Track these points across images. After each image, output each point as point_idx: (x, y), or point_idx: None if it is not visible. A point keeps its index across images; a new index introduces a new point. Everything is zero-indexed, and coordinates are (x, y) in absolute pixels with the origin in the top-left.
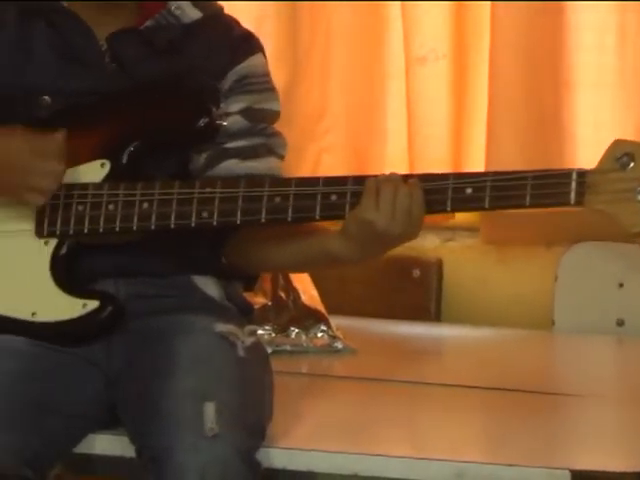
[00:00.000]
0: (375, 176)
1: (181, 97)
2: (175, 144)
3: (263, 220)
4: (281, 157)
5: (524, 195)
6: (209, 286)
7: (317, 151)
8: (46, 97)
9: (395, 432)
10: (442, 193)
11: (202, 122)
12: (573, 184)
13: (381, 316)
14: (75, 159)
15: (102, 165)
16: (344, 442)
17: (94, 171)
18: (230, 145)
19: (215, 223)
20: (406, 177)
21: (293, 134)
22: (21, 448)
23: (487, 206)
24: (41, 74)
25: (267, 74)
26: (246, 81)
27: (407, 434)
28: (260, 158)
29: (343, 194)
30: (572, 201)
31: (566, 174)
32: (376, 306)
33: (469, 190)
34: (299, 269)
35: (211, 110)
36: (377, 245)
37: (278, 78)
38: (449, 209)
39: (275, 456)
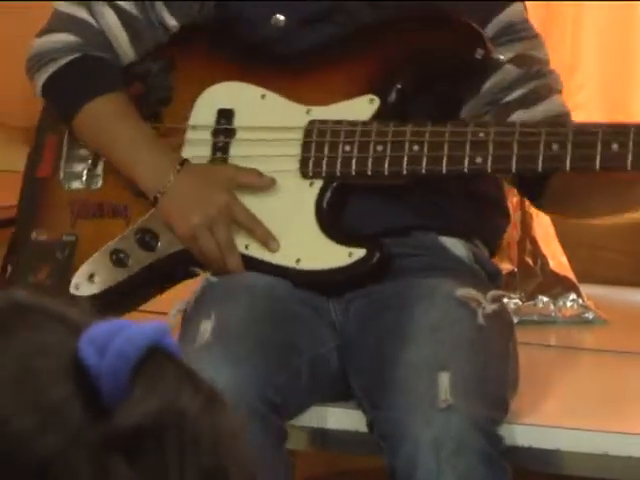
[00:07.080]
0: None
1: (454, 28)
2: (447, 78)
3: (539, 169)
4: (561, 92)
5: None
6: (457, 247)
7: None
8: (279, 15)
9: None
10: None
11: (479, 53)
12: None
13: (635, 285)
14: (339, 93)
15: (371, 101)
16: (594, 419)
17: (362, 107)
18: (510, 98)
19: (489, 170)
20: None
21: None
22: (264, 383)
23: None
24: None
25: (528, 20)
26: (511, 29)
27: None
28: (544, 100)
29: (625, 143)
30: None
31: None
32: (630, 274)
33: None
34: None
35: (486, 41)
36: None
37: None
38: None
39: (520, 433)
